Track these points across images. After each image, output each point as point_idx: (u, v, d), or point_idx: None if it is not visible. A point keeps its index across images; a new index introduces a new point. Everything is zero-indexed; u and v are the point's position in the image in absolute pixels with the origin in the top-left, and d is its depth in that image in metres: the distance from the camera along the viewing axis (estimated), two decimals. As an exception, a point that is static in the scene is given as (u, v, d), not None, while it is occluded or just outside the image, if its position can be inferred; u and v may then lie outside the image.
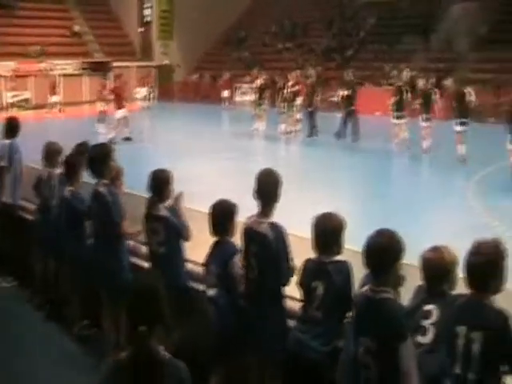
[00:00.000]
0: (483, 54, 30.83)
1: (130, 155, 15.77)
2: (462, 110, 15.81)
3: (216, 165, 15.68)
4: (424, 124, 17.00)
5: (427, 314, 3.49)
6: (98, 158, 5.36)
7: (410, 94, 18.06)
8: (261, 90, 21.78)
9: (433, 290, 3.56)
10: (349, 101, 19.71)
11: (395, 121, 17.80)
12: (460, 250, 3.52)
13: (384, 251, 3.22)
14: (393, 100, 18.01)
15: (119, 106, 19.66)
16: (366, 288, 3.37)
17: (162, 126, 25.39)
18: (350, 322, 3.61)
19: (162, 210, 4.97)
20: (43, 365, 5.40)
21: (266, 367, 4.26)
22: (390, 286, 3.26)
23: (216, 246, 4.44)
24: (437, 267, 3.54)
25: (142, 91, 33.09)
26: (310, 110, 20.33)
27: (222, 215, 4.37)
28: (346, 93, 19.95)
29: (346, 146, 18.86)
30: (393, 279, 3.28)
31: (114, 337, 5.25)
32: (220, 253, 4.38)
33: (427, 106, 17.10)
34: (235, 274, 4.29)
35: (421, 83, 18.50)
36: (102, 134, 18.98)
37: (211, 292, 4.38)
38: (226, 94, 32.37)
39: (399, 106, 17.78)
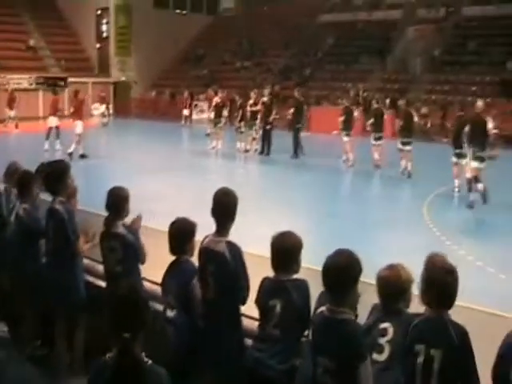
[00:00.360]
0: (436, 75, 31.60)
1: (86, 172, 15.68)
2: (407, 129, 16.56)
3: (173, 183, 15.62)
4: (375, 142, 17.56)
5: (383, 332, 3.51)
6: (54, 175, 5.30)
7: (357, 113, 19.23)
8: (218, 109, 21.84)
9: (388, 308, 3.58)
10: (294, 119, 20.41)
11: (345, 138, 18.55)
12: (414, 267, 3.60)
13: (343, 272, 3.22)
14: (341, 119, 18.78)
15: (78, 121, 19.36)
16: (323, 308, 3.37)
17: (119, 143, 25.22)
18: (307, 341, 3.61)
19: (120, 228, 4.92)
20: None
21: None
22: (348, 306, 3.27)
23: (175, 265, 4.39)
24: (393, 285, 3.56)
25: (98, 107, 32.78)
26: (266, 128, 20.51)
27: (181, 234, 4.34)
28: (291, 111, 20.68)
29: (300, 163, 19.20)
30: (351, 299, 3.30)
31: (68, 356, 5.16)
32: (179, 273, 4.34)
33: (378, 125, 17.59)
34: (195, 295, 4.26)
35: (374, 103, 19.12)
36: (47, 151, 18.81)
37: (170, 313, 4.34)
38: (185, 112, 32.35)
39: (347, 125, 18.57)
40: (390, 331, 3.50)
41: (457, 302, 3.36)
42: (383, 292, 3.60)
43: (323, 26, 38.97)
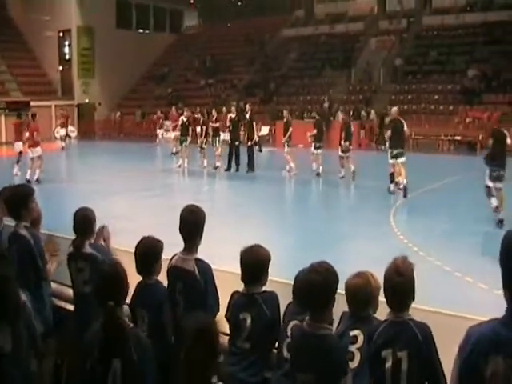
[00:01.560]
0: (399, 85, 32.06)
1: (49, 195, 15.47)
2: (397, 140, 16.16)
3: (139, 202, 15.52)
4: (342, 154, 17.89)
5: (353, 340, 3.54)
6: (17, 199, 5.22)
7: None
8: (184, 127, 21.87)
9: (358, 315, 3.62)
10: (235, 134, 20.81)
11: (315, 151, 19.05)
12: (380, 274, 3.64)
13: (324, 289, 3.19)
14: (314, 132, 19.17)
15: (33, 145, 18.94)
16: (297, 322, 3.36)
17: (83, 165, 25.00)
18: (281, 356, 3.58)
19: (87, 248, 4.88)
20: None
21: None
22: (328, 321, 3.27)
23: (144, 287, 4.26)
24: (363, 293, 3.59)
25: (61, 130, 32.30)
26: (234, 144, 20.60)
27: (148, 254, 4.25)
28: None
29: (267, 177, 19.38)
30: (330, 313, 3.29)
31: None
32: (150, 296, 4.23)
33: (346, 136, 17.89)
34: (168, 321, 4.21)
35: (340, 115, 19.43)
36: (17, 176, 18.59)
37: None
38: (159, 131, 32.31)
39: (320, 137, 19.19)
40: (360, 338, 3.53)
41: (423, 307, 3.40)
42: (353, 299, 3.62)
43: (286, 40, 39.32)
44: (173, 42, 46.35)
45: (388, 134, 15.48)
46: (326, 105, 30.81)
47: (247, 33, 41.60)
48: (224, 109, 22.57)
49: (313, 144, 19.08)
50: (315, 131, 19.15)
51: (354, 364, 3.49)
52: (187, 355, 2.91)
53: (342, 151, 17.88)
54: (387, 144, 15.74)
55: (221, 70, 39.84)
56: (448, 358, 3.24)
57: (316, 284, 3.18)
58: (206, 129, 21.48)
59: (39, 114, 21.03)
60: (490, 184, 11.83)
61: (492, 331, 2.33)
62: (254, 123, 21.12)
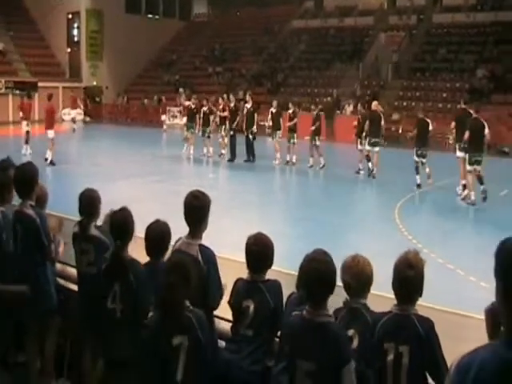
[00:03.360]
0: (407, 81, 31.94)
1: (56, 177, 15.51)
2: (375, 131, 17.54)
3: (145, 187, 15.57)
4: (369, 148, 17.73)
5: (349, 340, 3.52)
6: (23, 178, 5.22)
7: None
8: (190, 113, 21.82)
9: (350, 307, 3.60)
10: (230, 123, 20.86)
11: (317, 143, 19.19)
12: (383, 268, 3.65)
13: (325, 277, 3.18)
14: (315, 125, 19.40)
15: (50, 126, 19.25)
16: (298, 312, 3.36)
17: (90, 148, 24.98)
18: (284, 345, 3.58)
19: (92, 230, 4.89)
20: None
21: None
22: (327, 308, 3.26)
23: (152, 269, 4.21)
24: (365, 276, 3.60)
25: (69, 112, 32.41)
26: (231, 134, 20.67)
27: (159, 237, 4.28)
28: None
29: (268, 167, 19.37)
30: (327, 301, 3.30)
31: (39, 362, 5.08)
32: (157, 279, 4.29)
33: (372, 129, 17.88)
34: None
35: (348, 109, 19.42)
36: (27, 155, 18.62)
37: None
38: (163, 117, 32.28)
39: (318, 131, 19.40)
40: (355, 339, 3.53)
41: (426, 303, 3.40)
42: (357, 283, 3.58)
43: (295, 31, 39.17)
44: (182, 28, 46.20)
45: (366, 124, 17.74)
46: (331, 98, 30.77)
47: (256, 22, 41.45)
48: (225, 97, 22.35)
49: (315, 137, 19.12)
50: (317, 124, 19.36)
51: None
52: (163, 282, 3.45)
53: (371, 144, 17.52)
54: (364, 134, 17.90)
55: (229, 58, 39.74)
56: (446, 354, 3.26)
57: (318, 272, 3.18)
58: (214, 117, 21.42)
59: (46, 95, 20.93)
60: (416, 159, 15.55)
61: (495, 355, 1.88)
62: (256, 114, 20.91)
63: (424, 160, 15.51)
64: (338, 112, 28.82)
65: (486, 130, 13.49)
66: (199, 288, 4.06)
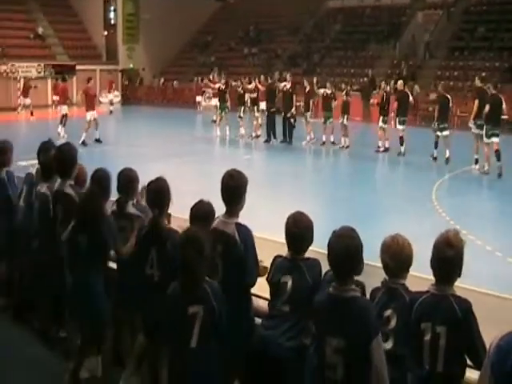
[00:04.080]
0: (445, 61, 31.37)
1: (95, 157, 15.70)
2: (403, 110, 17.68)
3: (183, 167, 15.73)
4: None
5: (386, 321, 3.53)
6: (63, 158, 5.30)
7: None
8: (222, 94, 21.78)
9: (392, 290, 3.58)
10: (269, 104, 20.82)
11: (346, 122, 19.19)
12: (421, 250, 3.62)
13: (351, 253, 3.21)
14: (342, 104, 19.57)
15: (90, 108, 19.67)
16: (327, 289, 3.37)
17: (128, 130, 25.24)
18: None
19: (130, 208, 4.96)
20: (11, 370, 5.22)
21: (230, 365, 4.22)
22: (354, 283, 3.28)
23: None
24: (406, 255, 3.59)
25: (107, 95, 32.80)
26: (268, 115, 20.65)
27: (204, 217, 4.32)
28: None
29: (303, 149, 19.37)
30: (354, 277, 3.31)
31: (78, 338, 5.18)
32: None
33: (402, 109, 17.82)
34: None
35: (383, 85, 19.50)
36: (63, 138, 18.93)
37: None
38: (199, 98, 32.41)
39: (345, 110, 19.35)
40: (393, 319, 3.52)
41: (464, 285, 3.37)
42: (396, 262, 3.57)
43: (331, 11, 38.73)
44: (217, 9, 46.02)
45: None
46: (367, 78, 30.43)
47: (292, 3, 41.03)
48: (261, 78, 22.29)
49: (344, 116, 19.09)
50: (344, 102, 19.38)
51: (388, 345, 3.47)
52: (179, 256, 3.60)
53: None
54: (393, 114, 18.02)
55: (264, 39, 39.53)
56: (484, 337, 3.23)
57: (349, 247, 3.20)
58: (244, 98, 21.49)
59: (83, 77, 21.15)
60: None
61: None
62: (294, 95, 20.69)
63: (445, 133, 15.80)
64: (375, 92, 28.47)
65: (504, 105, 14.64)
66: (237, 265, 4.11)
